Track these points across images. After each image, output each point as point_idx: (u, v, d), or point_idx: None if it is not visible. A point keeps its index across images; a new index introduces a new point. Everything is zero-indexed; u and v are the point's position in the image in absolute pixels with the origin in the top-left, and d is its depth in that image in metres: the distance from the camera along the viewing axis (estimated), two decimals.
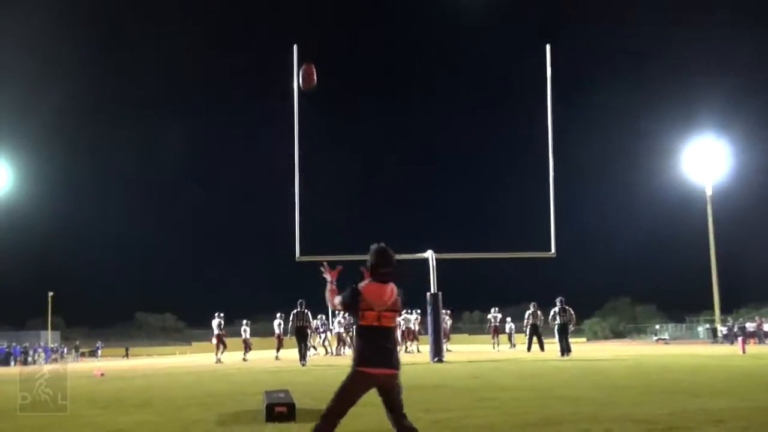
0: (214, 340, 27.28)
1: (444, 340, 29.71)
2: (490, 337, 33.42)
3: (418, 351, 29.61)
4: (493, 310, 33.19)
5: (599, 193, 72.69)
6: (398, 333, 32.34)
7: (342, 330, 30.11)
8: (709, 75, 66.31)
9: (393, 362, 5.18)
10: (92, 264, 73.41)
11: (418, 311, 29.83)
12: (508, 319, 35.46)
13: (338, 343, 30.21)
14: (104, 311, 70.36)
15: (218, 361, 26.10)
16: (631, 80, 72.93)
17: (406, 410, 5.31)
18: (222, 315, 27.40)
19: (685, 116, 58.70)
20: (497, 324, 32.88)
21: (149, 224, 76.38)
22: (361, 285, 5.21)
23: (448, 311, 31.86)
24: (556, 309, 22.93)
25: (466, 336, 54.67)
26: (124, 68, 77.02)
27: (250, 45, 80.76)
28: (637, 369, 15.97)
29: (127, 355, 53.49)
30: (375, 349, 5.13)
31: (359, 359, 5.13)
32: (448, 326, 31.71)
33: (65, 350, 55.36)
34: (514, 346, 33.80)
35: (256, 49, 78.45)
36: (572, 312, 23.16)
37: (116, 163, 74.16)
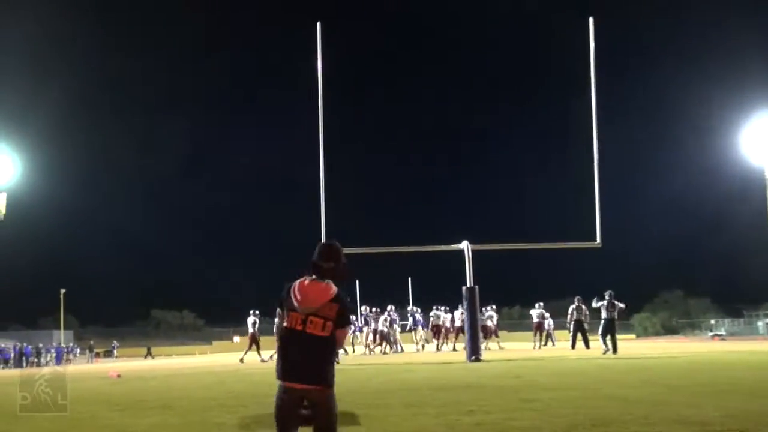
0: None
1: (486, 339, 30.48)
2: (531, 334, 33.43)
3: (454, 349, 29.78)
4: (537, 305, 33.09)
5: (648, 178, 72.07)
6: (421, 331, 32.65)
7: (385, 327, 30.44)
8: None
9: (314, 377, 4.69)
10: (106, 260, 74.43)
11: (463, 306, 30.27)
12: (547, 314, 35.51)
13: (380, 341, 30.52)
14: (119, 309, 71.25)
15: (242, 360, 26.46)
16: (682, 54, 71.99)
17: (443, 411, 5.21)
18: (258, 313, 27.78)
19: (742, 91, 57.88)
20: (541, 320, 32.78)
21: (165, 219, 77.27)
22: (297, 281, 4.84)
23: (493, 307, 32.13)
24: (604, 303, 22.78)
25: (504, 333, 54.53)
26: (133, 62, 77.81)
27: (261, 35, 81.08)
28: (690, 367, 15.85)
29: (149, 355, 54.00)
30: (293, 360, 4.73)
31: (277, 370, 4.82)
32: (495, 322, 32.06)
33: (78, 350, 56.06)
34: (554, 344, 33.74)
35: (267, 39, 78.82)
36: (622, 306, 23.01)
37: (132, 158, 75.03)
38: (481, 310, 31.35)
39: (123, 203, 76.05)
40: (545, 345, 33.36)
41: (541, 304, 33.14)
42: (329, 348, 4.77)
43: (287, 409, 4.75)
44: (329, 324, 4.70)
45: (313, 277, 4.80)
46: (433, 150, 78.25)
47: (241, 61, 78.92)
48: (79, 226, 71.22)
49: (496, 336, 32.29)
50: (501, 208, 73.38)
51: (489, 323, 31.62)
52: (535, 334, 32.37)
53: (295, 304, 4.71)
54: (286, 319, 4.77)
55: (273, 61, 77.42)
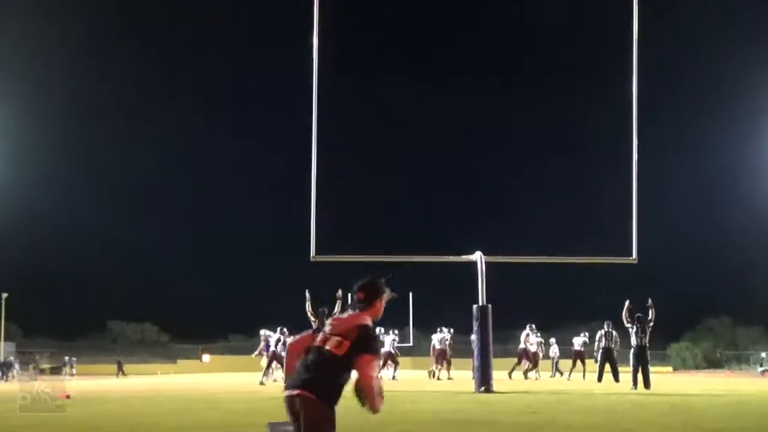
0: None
1: (522, 365, 31.55)
2: (569, 363, 33.84)
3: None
4: (582, 334, 33.30)
5: (693, 185, 71.93)
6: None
7: (391, 348, 31.06)
8: None
9: (304, 382, 5.39)
10: (57, 262, 74.11)
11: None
12: (552, 340, 35.64)
13: (385, 364, 30.86)
14: (71, 319, 71.01)
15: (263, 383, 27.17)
16: (735, 45, 71.64)
17: None
18: (285, 331, 28.43)
19: None
20: (581, 349, 33.00)
21: (127, 218, 76.98)
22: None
23: (532, 326, 32.39)
24: (635, 328, 22.76)
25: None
26: (110, 56, 77.79)
27: (253, 22, 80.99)
28: (737, 408, 15.87)
29: (121, 372, 53.62)
30: (297, 369, 5.56)
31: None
32: (536, 348, 32.43)
33: (17, 366, 55.20)
34: (561, 373, 33.95)
35: (261, 25, 78.83)
36: (651, 315, 22.80)
37: (93, 150, 74.83)
38: (534, 331, 32.15)
39: (87, 199, 75.87)
40: (553, 376, 33.58)
41: (587, 333, 33.14)
42: (338, 366, 5.41)
43: (293, 421, 5.40)
44: (346, 343, 5.40)
45: (356, 311, 5.74)
46: (446, 147, 78.02)
47: (240, 45, 78.71)
48: (30, 220, 70.96)
49: (523, 363, 32.53)
50: (522, 216, 73.09)
51: (535, 348, 32.08)
52: (574, 364, 32.83)
53: (327, 329, 5.56)
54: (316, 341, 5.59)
55: (263, 48, 77.36)
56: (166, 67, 78.70)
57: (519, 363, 32.03)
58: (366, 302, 5.73)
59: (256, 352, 31.53)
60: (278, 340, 28.21)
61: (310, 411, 5.29)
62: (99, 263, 77.52)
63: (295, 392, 5.33)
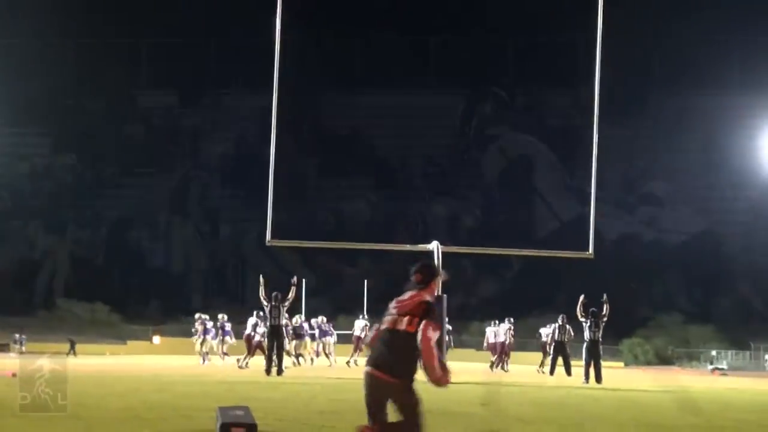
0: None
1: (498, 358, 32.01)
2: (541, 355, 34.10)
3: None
4: (548, 326, 33.45)
5: (653, 180, 72.32)
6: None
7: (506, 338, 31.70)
8: None
9: (384, 365, 6.13)
10: (9, 238, 73.21)
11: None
12: (504, 329, 35.87)
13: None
14: (20, 295, 70.21)
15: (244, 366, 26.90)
16: (704, 36, 71.90)
17: None
18: (262, 314, 28.13)
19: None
20: (546, 340, 33.17)
21: (83, 197, 76.15)
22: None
23: (511, 320, 32.59)
24: (589, 323, 22.93)
25: (473, 352, 54.65)
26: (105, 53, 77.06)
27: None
28: (688, 404, 16.04)
29: (72, 352, 52.66)
30: (375, 349, 6.39)
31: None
32: (511, 341, 32.74)
33: None
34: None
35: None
36: (605, 310, 22.95)
37: (48, 108, 73.75)
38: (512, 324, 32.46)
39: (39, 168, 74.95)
40: (506, 370, 33.81)
41: (553, 326, 33.22)
42: (411, 343, 6.11)
43: (368, 394, 6.19)
44: (415, 319, 6.15)
45: (413, 291, 6.41)
46: (413, 138, 77.77)
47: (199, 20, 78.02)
48: None
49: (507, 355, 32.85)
50: (481, 207, 73.14)
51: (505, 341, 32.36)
52: (545, 356, 33.08)
53: (393, 310, 6.30)
54: (384, 323, 6.36)
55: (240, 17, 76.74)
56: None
57: (507, 356, 32.43)
58: (423, 283, 6.40)
59: (196, 336, 31.48)
60: (255, 324, 27.87)
61: (402, 396, 6.10)
62: (50, 241, 76.70)
63: (377, 373, 6.09)
